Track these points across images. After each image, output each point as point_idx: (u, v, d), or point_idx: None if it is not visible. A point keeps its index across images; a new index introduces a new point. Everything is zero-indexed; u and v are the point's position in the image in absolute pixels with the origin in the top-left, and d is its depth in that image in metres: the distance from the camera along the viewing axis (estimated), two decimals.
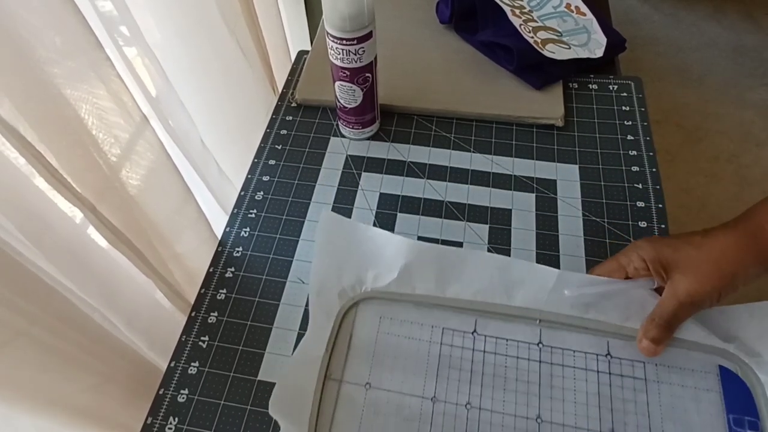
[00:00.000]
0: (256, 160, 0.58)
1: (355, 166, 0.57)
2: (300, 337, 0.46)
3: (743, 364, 0.40)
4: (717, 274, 0.37)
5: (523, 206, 0.53)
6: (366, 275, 0.45)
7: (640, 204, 0.52)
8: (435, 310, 0.44)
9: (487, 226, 0.52)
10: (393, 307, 0.45)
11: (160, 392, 0.44)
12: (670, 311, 0.39)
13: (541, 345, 0.42)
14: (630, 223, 0.51)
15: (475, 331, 0.43)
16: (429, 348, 0.43)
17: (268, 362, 0.45)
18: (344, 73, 0.51)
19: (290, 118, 0.62)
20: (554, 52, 0.61)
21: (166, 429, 0.42)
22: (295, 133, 0.60)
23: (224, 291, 0.49)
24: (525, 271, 0.44)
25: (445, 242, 0.51)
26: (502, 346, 0.42)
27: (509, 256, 0.49)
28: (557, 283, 0.43)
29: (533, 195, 0.54)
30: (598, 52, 0.63)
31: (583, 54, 0.62)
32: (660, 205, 0.52)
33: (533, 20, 0.66)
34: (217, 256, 0.51)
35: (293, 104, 0.63)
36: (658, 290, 0.41)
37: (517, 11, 0.66)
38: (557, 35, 0.64)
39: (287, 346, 0.45)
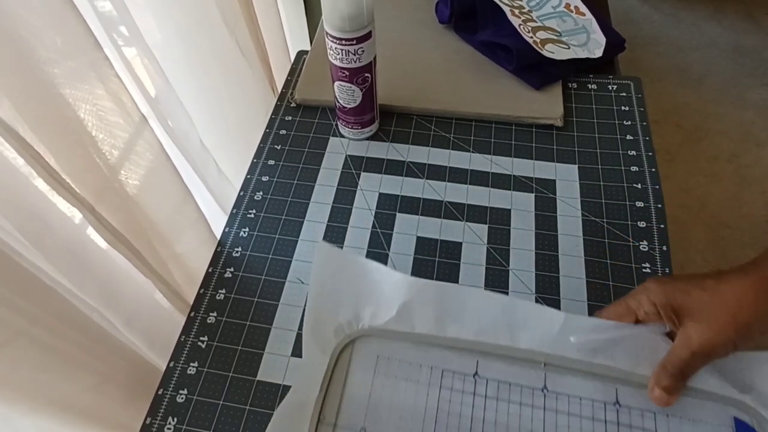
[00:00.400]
0: (255, 160, 0.58)
1: (355, 166, 0.57)
2: (299, 337, 0.46)
3: (761, 418, 0.38)
4: (732, 323, 0.35)
5: (522, 206, 0.53)
6: (363, 311, 0.44)
7: (640, 204, 0.52)
8: (435, 349, 0.42)
9: (486, 226, 0.52)
10: (391, 346, 0.43)
11: (159, 392, 0.44)
12: (684, 360, 0.37)
13: (545, 390, 0.40)
14: (629, 223, 0.51)
15: (476, 373, 0.41)
16: (428, 391, 0.41)
17: (267, 362, 0.45)
18: (343, 73, 0.51)
19: (289, 118, 0.62)
20: (553, 52, 0.61)
21: (165, 429, 0.42)
22: (295, 133, 0.60)
23: (223, 291, 0.49)
24: (530, 313, 0.42)
25: (444, 242, 0.51)
26: (504, 390, 0.41)
27: (508, 255, 0.49)
28: (564, 327, 0.41)
29: (532, 195, 0.54)
30: (598, 52, 0.63)
31: (583, 54, 0.62)
32: (659, 205, 0.52)
33: (532, 20, 0.66)
34: (217, 256, 0.51)
35: (293, 104, 0.63)
36: (670, 335, 0.39)
37: (517, 11, 0.66)
38: (556, 35, 0.64)
39: (286, 346, 0.45)
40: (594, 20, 0.67)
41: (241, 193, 0.55)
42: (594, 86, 0.63)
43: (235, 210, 0.54)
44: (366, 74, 0.51)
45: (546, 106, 0.59)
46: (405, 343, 0.43)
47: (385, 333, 0.43)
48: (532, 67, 0.61)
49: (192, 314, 0.48)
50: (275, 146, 0.59)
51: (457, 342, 0.42)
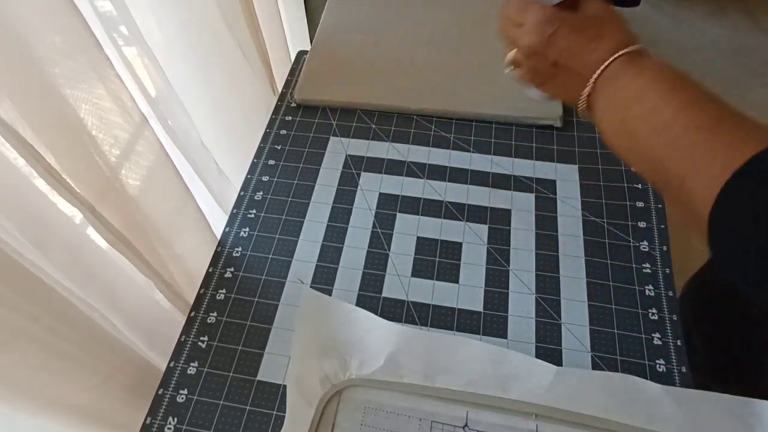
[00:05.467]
0: (255, 160, 0.58)
1: (355, 166, 0.57)
2: None
3: None
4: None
5: (522, 206, 0.53)
6: (351, 361, 0.43)
7: (640, 204, 0.52)
8: (424, 400, 0.42)
9: (486, 226, 0.52)
10: (379, 396, 0.42)
11: (160, 392, 0.44)
12: None
13: None
14: (629, 223, 0.51)
15: (466, 425, 0.41)
16: None
17: (268, 362, 0.45)
18: None
19: (290, 118, 0.62)
20: None
21: (165, 429, 0.42)
22: (295, 133, 0.60)
23: (223, 291, 0.49)
24: (521, 366, 0.42)
25: (444, 242, 0.51)
26: None
27: (509, 255, 0.49)
28: (555, 380, 0.41)
29: (533, 195, 0.54)
30: None
31: None
32: (659, 206, 0.52)
33: None
34: (217, 256, 0.51)
35: (293, 104, 0.63)
36: None
37: None
38: None
39: (286, 346, 0.45)
40: None
41: (242, 193, 0.55)
42: None
43: (235, 210, 0.54)
44: None
45: (546, 106, 0.59)
46: (393, 393, 0.42)
47: (372, 383, 0.42)
48: None
49: (192, 314, 0.48)
50: (275, 146, 0.59)
51: (447, 392, 0.41)
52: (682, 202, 0.30)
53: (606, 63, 0.36)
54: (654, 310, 0.46)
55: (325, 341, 0.44)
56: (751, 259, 0.26)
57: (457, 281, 0.48)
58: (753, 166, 0.26)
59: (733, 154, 0.27)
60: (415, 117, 0.61)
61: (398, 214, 0.53)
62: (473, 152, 0.57)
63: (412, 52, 0.65)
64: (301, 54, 0.69)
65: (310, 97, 0.62)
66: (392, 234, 0.52)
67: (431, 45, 0.66)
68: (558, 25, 0.38)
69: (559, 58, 0.38)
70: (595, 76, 0.36)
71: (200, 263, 0.56)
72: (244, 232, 0.53)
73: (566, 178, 0.55)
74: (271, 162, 0.58)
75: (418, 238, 0.51)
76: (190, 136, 0.70)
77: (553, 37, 0.38)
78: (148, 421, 0.42)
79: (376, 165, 0.57)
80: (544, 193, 0.54)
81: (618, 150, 0.37)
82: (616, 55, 0.36)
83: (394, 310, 0.47)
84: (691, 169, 0.29)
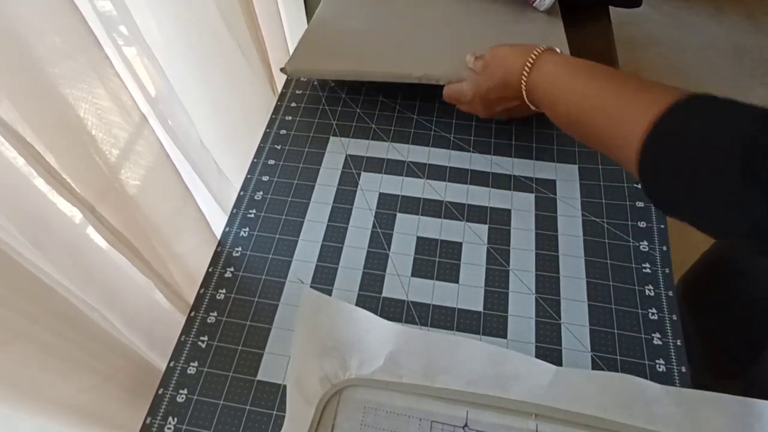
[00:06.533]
0: (255, 160, 0.58)
1: (355, 166, 0.57)
2: None
3: None
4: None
5: (522, 206, 0.53)
6: (351, 360, 0.43)
7: (640, 204, 0.52)
8: (423, 399, 0.42)
9: (486, 226, 0.52)
10: (379, 396, 0.42)
11: (159, 392, 0.44)
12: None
13: None
14: (629, 223, 0.51)
15: (466, 425, 0.41)
16: None
17: (268, 362, 0.45)
18: None
19: (290, 118, 0.62)
20: None
21: (165, 429, 0.42)
22: (295, 133, 0.60)
23: (223, 291, 0.49)
24: (520, 366, 0.42)
25: (444, 242, 0.51)
26: None
27: (509, 255, 0.49)
28: (554, 380, 0.41)
29: (533, 195, 0.54)
30: None
31: None
32: None
33: None
34: (217, 256, 0.51)
35: (287, 77, 0.62)
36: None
37: None
38: None
39: (286, 346, 0.45)
40: None
41: (241, 193, 0.55)
42: None
43: (235, 210, 0.54)
44: None
45: None
46: (393, 393, 0.42)
47: (372, 383, 0.42)
48: None
49: (192, 314, 0.48)
50: (275, 146, 0.59)
51: (446, 392, 0.41)
52: (621, 159, 0.38)
53: (523, 85, 0.47)
54: (654, 310, 0.46)
55: (325, 341, 0.44)
56: (673, 194, 0.34)
57: (457, 281, 0.48)
58: (660, 125, 0.34)
59: (643, 119, 0.34)
60: (414, 117, 0.61)
61: (398, 214, 0.53)
62: (473, 152, 0.57)
63: (411, 30, 0.64)
64: None
65: (303, 67, 0.60)
66: (392, 234, 0.52)
67: (432, 26, 0.65)
68: (481, 94, 0.52)
69: (506, 104, 0.52)
70: (525, 95, 0.48)
71: (200, 263, 0.56)
72: (244, 232, 0.53)
73: (566, 178, 0.55)
74: (271, 162, 0.58)
75: (418, 238, 0.51)
76: (189, 136, 0.70)
77: (484, 101, 0.52)
78: (148, 421, 0.42)
79: (376, 165, 0.57)
80: (544, 193, 0.54)
81: (568, 132, 0.45)
82: (523, 77, 0.46)
83: (394, 310, 0.47)
84: (617, 136, 0.37)
